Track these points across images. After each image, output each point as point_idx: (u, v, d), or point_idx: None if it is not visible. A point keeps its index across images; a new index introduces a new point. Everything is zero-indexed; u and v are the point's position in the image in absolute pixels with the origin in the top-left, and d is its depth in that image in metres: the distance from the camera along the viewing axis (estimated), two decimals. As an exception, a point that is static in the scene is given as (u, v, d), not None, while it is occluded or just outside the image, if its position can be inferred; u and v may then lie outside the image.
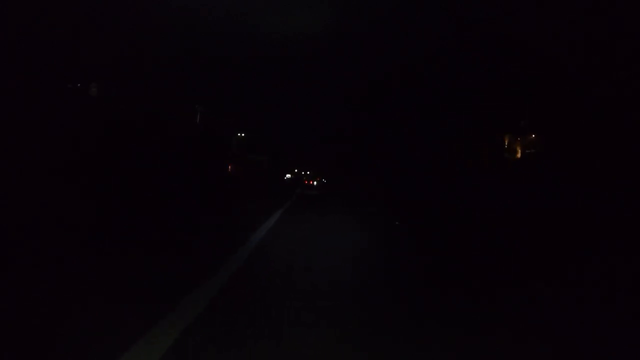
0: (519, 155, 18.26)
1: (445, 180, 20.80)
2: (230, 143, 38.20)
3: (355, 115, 45.30)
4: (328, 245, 5.97)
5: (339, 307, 2.99)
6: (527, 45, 15.20)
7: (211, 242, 5.54)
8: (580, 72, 13.08)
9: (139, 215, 7.28)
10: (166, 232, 5.92)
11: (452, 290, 3.56)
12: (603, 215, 8.34)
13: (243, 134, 43.56)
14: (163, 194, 10.28)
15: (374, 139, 39.49)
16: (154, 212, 7.88)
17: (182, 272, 3.72)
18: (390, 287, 3.71)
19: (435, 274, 4.25)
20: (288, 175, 75.20)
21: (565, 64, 13.66)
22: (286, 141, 63.67)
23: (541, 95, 14.88)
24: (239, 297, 3.14)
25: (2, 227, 5.32)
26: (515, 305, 3.16)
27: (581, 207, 9.42)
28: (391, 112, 32.95)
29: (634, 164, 10.44)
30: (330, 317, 2.79)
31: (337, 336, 2.46)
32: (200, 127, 26.42)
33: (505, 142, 18.64)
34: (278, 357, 2.18)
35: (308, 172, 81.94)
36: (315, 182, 65.40)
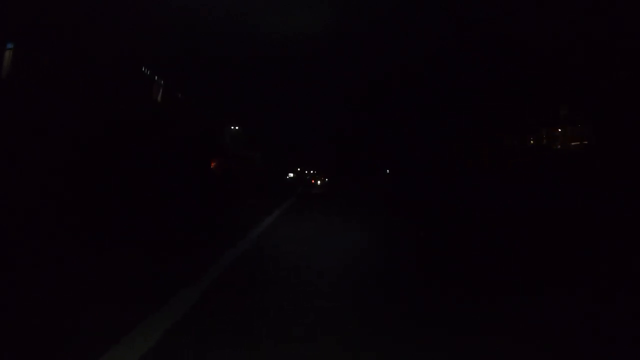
0: (559, 147, 16.31)
1: (445, 180, 20.79)
2: (222, 136, 35.14)
3: (355, 115, 45.29)
4: (331, 244, 6.00)
5: (339, 307, 3.00)
6: (527, 45, 15.20)
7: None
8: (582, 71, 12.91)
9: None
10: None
11: (453, 290, 3.56)
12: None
13: (237, 127, 39.56)
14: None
15: (374, 139, 39.46)
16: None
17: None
18: (390, 286, 3.71)
19: (436, 274, 4.25)
20: (290, 175, 74.60)
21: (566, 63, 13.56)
22: (287, 140, 63.58)
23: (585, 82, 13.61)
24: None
25: (2, 227, 5.33)
26: (515, 306, 3.15)
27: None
28: (391, 112, 32.92)
29: None
30: (330, 317, 2.79)
31: (337, 336, 2.46)
32: (163, 108, 20.81)
33: (543, 135, 17.43)
34: (278, 356, 2.18)
35: (313, 172, 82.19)
36: (319, 182, 68.90)
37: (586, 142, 14.80)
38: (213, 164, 25.30)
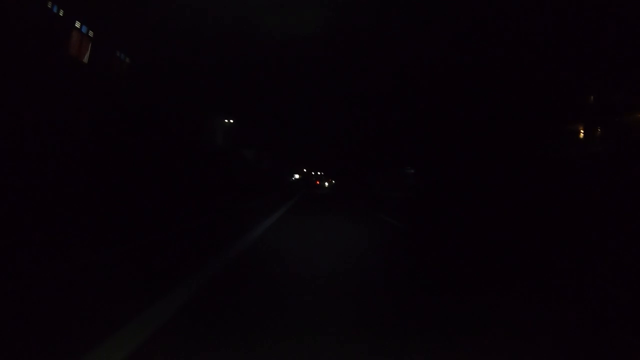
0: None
1: (446, 178, 20.78)
2: (213, 131, 31.00)
3: (355, 115, 45.25)
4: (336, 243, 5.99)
5: (339, 307, 2.99)
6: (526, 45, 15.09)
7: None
8: None
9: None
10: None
11: (452, 290, 3.56)
12: None
13: (232, 120, 34.55)
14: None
15: (374, 140, 39.35)
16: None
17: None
18: (391, 287, 3.70)
19: (436, 274, 4.25)
20: (296, 176, 72.93)
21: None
22: (287, 140, 63.52)
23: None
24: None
25: (1, 227, 5.32)
26: (515, 305, 3.15)
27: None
28: (391, 112, 32.91)
29: None
30: (330, 316, 2.79)
31: (336, 335, 2.45)
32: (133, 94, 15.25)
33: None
34: (278, 356, 2.18)
35: (319, 173, 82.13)
36: (327, 184, 70.89)
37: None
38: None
